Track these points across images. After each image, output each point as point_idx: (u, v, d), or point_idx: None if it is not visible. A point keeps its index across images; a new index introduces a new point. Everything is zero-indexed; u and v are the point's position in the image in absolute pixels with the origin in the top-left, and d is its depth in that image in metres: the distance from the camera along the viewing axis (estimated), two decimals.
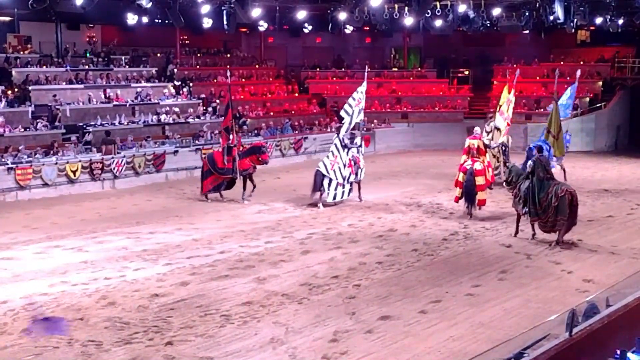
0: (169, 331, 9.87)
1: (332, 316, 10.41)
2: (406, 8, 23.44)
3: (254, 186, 19.48)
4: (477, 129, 18.57)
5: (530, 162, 15.01)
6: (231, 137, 19.28)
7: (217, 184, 19.53)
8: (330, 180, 18.37)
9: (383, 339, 9.55)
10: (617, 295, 8.96)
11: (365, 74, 21.07)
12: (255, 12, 23.92)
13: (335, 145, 18.71)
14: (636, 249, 14.05)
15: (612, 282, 11.62)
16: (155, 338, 9.61)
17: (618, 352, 6.56)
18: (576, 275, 12.41)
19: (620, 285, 11.31)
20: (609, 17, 26.25)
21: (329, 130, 29.07)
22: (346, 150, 18.74)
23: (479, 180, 17.10)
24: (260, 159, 19.40)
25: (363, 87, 19.59)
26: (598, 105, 30.54)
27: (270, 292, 11.50)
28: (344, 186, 18.70)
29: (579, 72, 21.97)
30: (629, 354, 6.52)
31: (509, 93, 20.66)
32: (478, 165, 17.31)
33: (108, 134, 23.17)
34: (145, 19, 24.82)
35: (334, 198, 18.57)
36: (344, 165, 18.57)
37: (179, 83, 28.23)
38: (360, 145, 19.46)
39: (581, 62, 33.08)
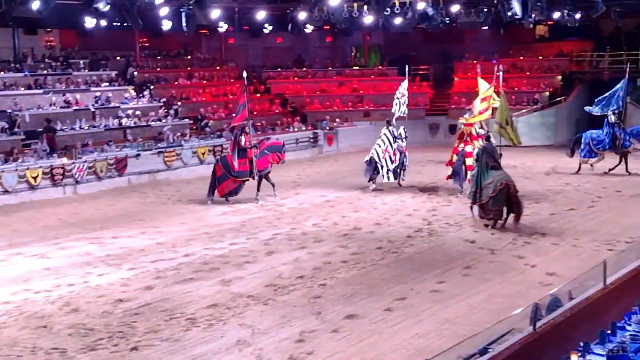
0: (134, 336, 9.77)
1: (298, 316, 10.39)
2: (365, 7, 23.50)
3: (273, 185, 19.55)
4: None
5: (477, 150, 16.56)
6: (243, 138, 19.27)
7: (235, 187, 19.41)
8: (382, 166, 20.26)
9: (349, 338, 9.56)
10: (580, 288, 9.03)
11: (406, 72, 22.99)
12: (215, 13, 23.80)
13: (386, 135, 20.56)
14: (597, 241, 14.25)
15: (575, 275, 11.75)
16: (120, 344, 9.51)
17: (581, 344, 6.63)
18: (539, 269, 12.55)
19: (582, 278, 11.41)
20: (566, 12, 26.61)
21: (291, 130, 29.05)
22: (394, 140, 20.57)
23: (468, 162, 18.17)
24: (280, 157, 19.68)
25: (405, 83, 22.04)
26: (558, 99, 30.94)
27: (235, 294, 11.44)
28: (392, 171, 20.41)
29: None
30: (592, 346, 6.60)
31: (494, 90, 20.56)
32: (468, 148, 18.77)
33: (49, 122, 22.83)
34: (103, 22, 24.54)
35: (387, 179, 20.39)
36: (392, 154, 20.43)
37: (140, 86, 27.95)
38: (406, 137, 21.19)
39: (540, 57, 33.56)
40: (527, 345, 6.92)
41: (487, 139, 16.53)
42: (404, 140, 20.94)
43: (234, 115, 19.59)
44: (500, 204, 15.22)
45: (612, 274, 8.91)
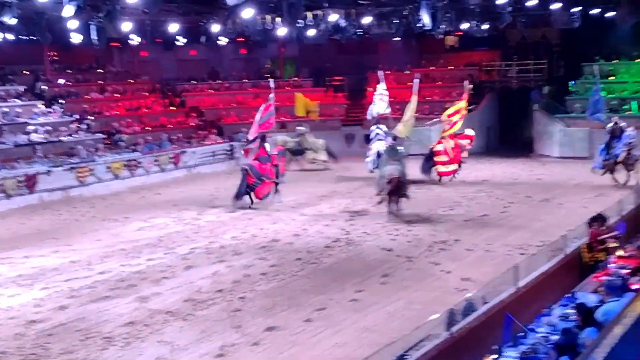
0: (48, 358, 9.51)
1: (218, 331, 10.31)
2: (278, 19, 23.53)
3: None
4: None
5: (385, 147, 19.80)
6: (267, 146, 20.36)
7: (271, 188, 20.16)
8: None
9: (269, 350, 9.55)
10: (493, 292, 9.30)
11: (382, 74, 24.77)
12: (126, 26, 23.34)
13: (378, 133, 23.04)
14: (510, 245, 14.68)
15: (488, 280, 12.08)
16: None
17: (496, 347, 6.82)
18: (454, 274, 12.84)
19: (495, 282, 11.78)
20: (474, 22, 27.34)
21: (208, 142, 28.82)
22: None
23: (440, 158, 22.98)
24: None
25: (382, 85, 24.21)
26: (469, 107, 31.68)
27: (153, 311, 11.24)
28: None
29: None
30: (505, 349, 6.81)
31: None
32: (439, 147, 23.05)
33: None
34: (10, 36, 23.74)
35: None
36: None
37: (50, 101, 27.14)
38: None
39: (451, 67, 34.37)
40: (444, 350, 7.08)
41: (394, 138, 19.54)
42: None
43: (256, 122, 20.49)
44: (390, 192, 17.69)
45: (524, 277, 9.22)
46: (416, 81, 22.84)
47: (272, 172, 20.10)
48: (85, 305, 11.65)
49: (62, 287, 12.69)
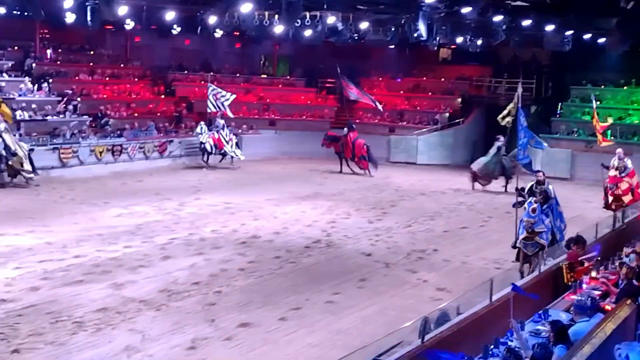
0: (16, 338, 9.40)
1: (191, 323, 10.26)
2: (276, 16, 23.49)
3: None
4: None
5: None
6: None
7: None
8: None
9: (242, 346, 9.52)
10: (468, 303, 9.33)
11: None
12: (122, 9, 23.18)
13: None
14: (487, 259, 14.76)
15: (463, 291, 12.12)
16: (0, 345, 9.10)
17: (466, 357, 6.85)
18: (431, 283, 12.88)
19: (470, 294, 11.80)
20: (469, 37, 27.49)
21: (193, 133, 28.69)
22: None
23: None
24: None
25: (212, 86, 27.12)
26: (457, 120, 31.86)
27: (127, 299, 11.18)
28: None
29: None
30: None
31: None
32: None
33: None
34: (1, 10, 23.49)
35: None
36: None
37: (38, 79, 26.89)
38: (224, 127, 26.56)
39: (442, 79, 34.53)
40: (415, 357, 7.09)
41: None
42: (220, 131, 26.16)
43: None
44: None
45: (498, 291, 9.24)
46: None
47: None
48: (58, 288, 11.56)
49: (36, 268, 12.59)
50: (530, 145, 15.46)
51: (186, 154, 27.52)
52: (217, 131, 26.31)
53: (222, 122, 26.58)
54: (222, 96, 26.67)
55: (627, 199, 17.36)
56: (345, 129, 27.19)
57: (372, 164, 26.52)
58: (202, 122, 26.66)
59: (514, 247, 13.34)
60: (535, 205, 12.70)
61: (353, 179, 25.19)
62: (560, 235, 13.60)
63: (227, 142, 26.48)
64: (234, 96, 27.10)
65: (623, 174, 17.59)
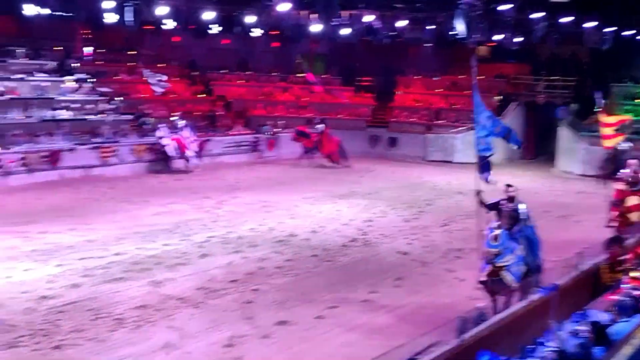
0: (58, 335, 9.56)
1: (228, 321, 10.34)
2: (313, 15, 23.57)
3: None
4: None
5: None
6: None
7: None
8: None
9: (279, 345, 9.56)
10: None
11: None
12: (161, 10, 23.48)
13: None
14: None
15: None
16: (42, 342, 9.30)
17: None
18: (468, 283, 12.72)
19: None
20: (507, 35, 27.26)
21: (233, 133, 28.90)
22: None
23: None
24: None
25: None
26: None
27: (165, 296, 11.31)
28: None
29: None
30: None
31: None
32: None
33: None
34: (45, 11, 23.90)
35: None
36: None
37: (79, 78, 27.28)
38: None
39: (481, 77, 34.18)
40: (452, 357, 7.06)
41: None
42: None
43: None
44: None
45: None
46: None
47: None
48: (98, 285, 11.73)
49: (77, 265, 12.80)
50: (506, 140, 13.43)
51: (224, 152, 27.69)
52: (178, 132, 25.15)
53: (182, 122, 25.51)
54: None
55: (635, 216, 14.36)
56: (322, 125, 27.37)
57: (343, 158, 27.10)
58: (163, 125, 25.45)
59: (481, 282, 10.57)
60: (498, 232, 10.17)
61: (389, 178, 25.09)
62: (537, 263, 11.34)
63: (189, 145, 25.21)
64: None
65: (635, 189, 14.39)
